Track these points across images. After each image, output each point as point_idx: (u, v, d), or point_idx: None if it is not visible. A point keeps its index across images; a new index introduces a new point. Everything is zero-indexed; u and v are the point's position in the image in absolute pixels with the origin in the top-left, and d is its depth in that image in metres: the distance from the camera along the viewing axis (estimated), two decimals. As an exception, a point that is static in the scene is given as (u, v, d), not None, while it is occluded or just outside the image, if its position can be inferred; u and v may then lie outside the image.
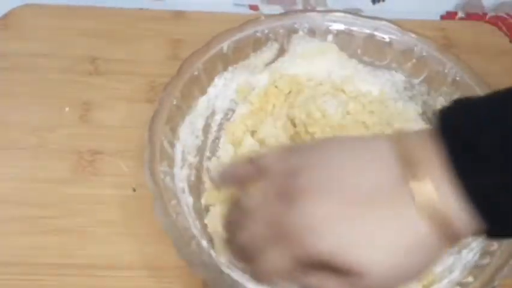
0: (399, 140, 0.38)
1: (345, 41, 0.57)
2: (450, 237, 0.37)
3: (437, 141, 0.36)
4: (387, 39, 0.57)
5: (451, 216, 0.36)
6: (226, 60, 0.55)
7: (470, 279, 0.45)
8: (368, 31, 0.57)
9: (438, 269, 0.48)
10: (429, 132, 0.37)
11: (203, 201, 0.51)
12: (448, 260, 0.48)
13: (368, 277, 0.38)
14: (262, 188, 0.41)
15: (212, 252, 0.47)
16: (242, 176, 0.42)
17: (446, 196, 0.36)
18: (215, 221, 0.49)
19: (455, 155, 0.35)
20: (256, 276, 0.42)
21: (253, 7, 0.71)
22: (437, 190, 0.36)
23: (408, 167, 0.37)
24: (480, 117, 0.36)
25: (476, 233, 0.36)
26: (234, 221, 0.42)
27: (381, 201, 0.37)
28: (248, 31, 0.55)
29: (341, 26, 0.57)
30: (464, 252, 0.48)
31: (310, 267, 0.39)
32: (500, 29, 0.70)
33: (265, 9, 0.70)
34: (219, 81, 0.55)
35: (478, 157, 0.35)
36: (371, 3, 0.70)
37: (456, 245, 0.38)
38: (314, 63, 0.57)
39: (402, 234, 0.37)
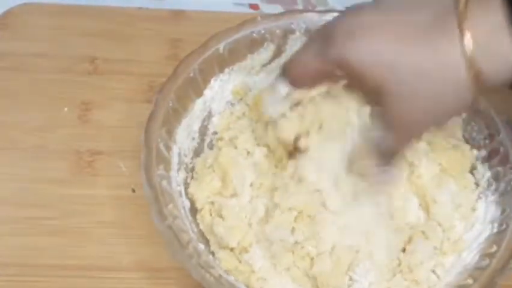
0: None
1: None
2: (480, 84, 0.39)
3: None
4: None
5: (491, 59, 0.38)
6: (223, 62, 0.54)
7: (469, 281, 0.45)
8: (363, 30, 0.56)
9: (438, 271, 0.48)
10: None
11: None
12: (447, 262, 0.48)
13: (390, 99, 0.41)
14: None
15: (210, 255, 0.47)
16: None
17: (494, 32, 0.38)
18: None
19: None
20: (287, 66, 0.45)
21: (254, 6, 0.70)
22: (486, 28, 0.38)
23: (463, 6, 0.39)
24: None
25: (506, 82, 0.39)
26: None
27: (429, 34, 0.39)
28: (244, 32, 0.55)
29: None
30: (464, 254, 0.48)
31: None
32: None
33: (266, 8, 0.70)
34: (215, 83, 0.54)
35: None
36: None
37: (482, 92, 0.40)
38: None
39: (439, 70, 0.39)
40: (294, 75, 0.45)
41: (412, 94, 0.40)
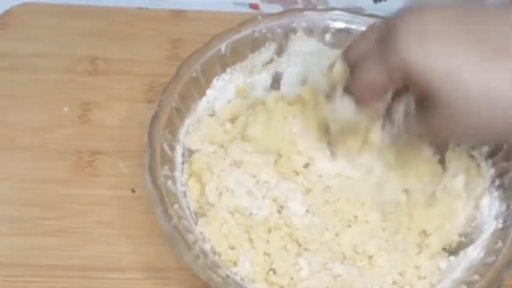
0: None
1: (343, 39, 0.57)
2: None
3: None
4: (386, 37, 0.56)
5: None
6: (225, 62, 0.54)
7: (476, 277, 0.45)
8: (366, 29, 0.56)
9: (442, 266, 0.48)
10: None
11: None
12: (452, 258, 0.48)
13: (446, 110, 0.39)
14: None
15: (216, 255, 0.47)
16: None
17: None
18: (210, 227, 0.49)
19: None
20: (355, 90, 0.44)
21: (254, 6, 0.70)
22: None
23: None
24: None
25: None
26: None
27: (494, 49, 0.38)
28: (246, 31, 0.55)
29: (339, 25, 0.57)
30: (470, 250, 0.48)
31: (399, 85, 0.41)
32: (502, 28, 0.70)
33: (266, 8, 0.70)
34: (217, 83, 0.54)
35: None
36: (372, 2, 0.70)
37: None
38: (312, 62, 0.57)
39: (503, 87, 0.38)
40: (357, 92, 0.44)
41: (463, 108, 0.39)
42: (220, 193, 0.49)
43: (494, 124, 0.40)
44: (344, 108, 0.46)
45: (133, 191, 0.54)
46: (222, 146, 0.52)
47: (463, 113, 0.39)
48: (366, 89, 0.43)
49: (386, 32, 0.41)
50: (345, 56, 0.46)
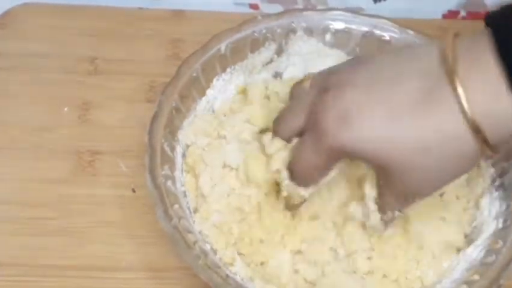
0: (447, 43, 0.37)
1: (343, 39, 0.57)
2: (486, 146, 0.37)
3: (486, 40, 0.35)
4: (386, 37, 0.56)
5: (494, 117, 0.36)
6: (224, 61, 0.54)
7: (475, 277, 0.45)
8: (366, 29, 0.57)
9: (443, 266, 0.48)
10: (479, 35, 0.36)
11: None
12: (452, 258, 0.48)
13: (395, 175, 0.39)
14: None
15: (216, 255, 0.47)
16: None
17: (493, 94, 0.35)
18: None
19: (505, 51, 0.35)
20: (296, 177, 0.43)
21: (254, 6, 0.70)
22: (483, 90, 0.36)
23: (453, 67, 0.36)
24: None
25: None
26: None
27: (421, 103, 0.37)
28: (245, 31, 0.55)
29: (339, 25, 0.57)
30: (469, 250, 0.48)
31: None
32: (501, 28, 0.70)
33: (266, 8, 0.70)
34: (217, 83, 0.54)
35: None
36: (372, 2, 0.70)
37: (487, 156, 0.39)
38: (312, 62, 0.57)
39: (441, 141, 0.37)
40: (299, 178, 0.44)
41: (414, 168, 0.39)
42: (215, 184, 0.49)
43: (447, 166, 0.39)
44: (293, 189, 0.45)
45: (134, 190, 0.54)
46: (216, 137, 0.52)
47: (413, 170, 0.39)
48: (308, 173, 0.43)
49: (311, 114, 0.41)
50: (277, 132, 0.45)
